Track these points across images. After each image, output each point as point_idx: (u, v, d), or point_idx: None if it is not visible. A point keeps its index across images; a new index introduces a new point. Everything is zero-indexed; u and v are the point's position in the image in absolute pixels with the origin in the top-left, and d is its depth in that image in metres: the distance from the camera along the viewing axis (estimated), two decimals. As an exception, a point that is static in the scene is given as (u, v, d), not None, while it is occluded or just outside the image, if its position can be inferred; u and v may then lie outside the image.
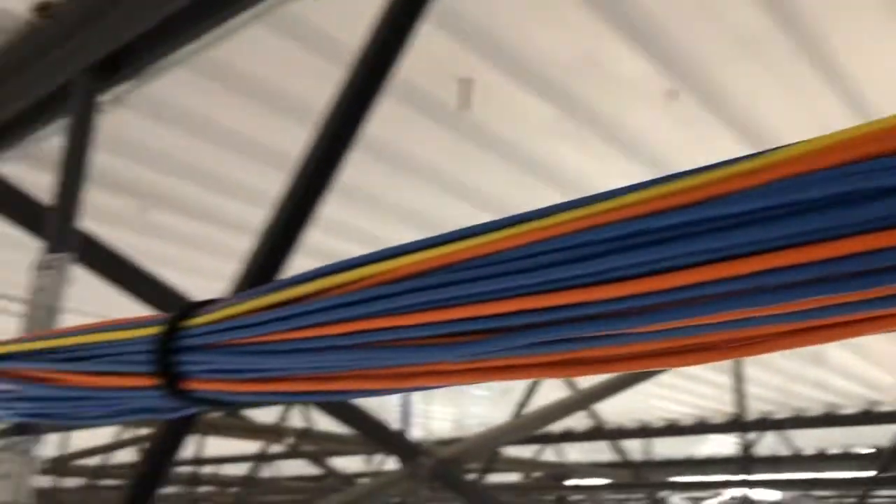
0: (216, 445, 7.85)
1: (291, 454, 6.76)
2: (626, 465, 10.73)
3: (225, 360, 0.74)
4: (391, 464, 8.34)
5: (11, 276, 2.38)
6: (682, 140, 2.57)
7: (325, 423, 6.25)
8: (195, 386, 0.78)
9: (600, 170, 2.72)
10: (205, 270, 3.24)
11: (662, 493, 8.49)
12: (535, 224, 0.51)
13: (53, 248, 1.38)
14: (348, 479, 7.21)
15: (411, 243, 0.62)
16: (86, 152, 1.44)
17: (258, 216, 2.86)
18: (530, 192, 2.74)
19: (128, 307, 1.11)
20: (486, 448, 3.00)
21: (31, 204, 1.67)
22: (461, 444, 2.76)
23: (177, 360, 0.78)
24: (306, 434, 6.15)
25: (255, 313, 0.72)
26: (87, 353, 0.88)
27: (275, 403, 0.77)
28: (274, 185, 2.61)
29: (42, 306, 1.32)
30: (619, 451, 7.41)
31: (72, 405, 0.94)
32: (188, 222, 2.81)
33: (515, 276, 0.51)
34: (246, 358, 0.72)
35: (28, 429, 1.29)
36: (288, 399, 0.72)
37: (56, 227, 1.38)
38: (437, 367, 0.59)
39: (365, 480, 8.08)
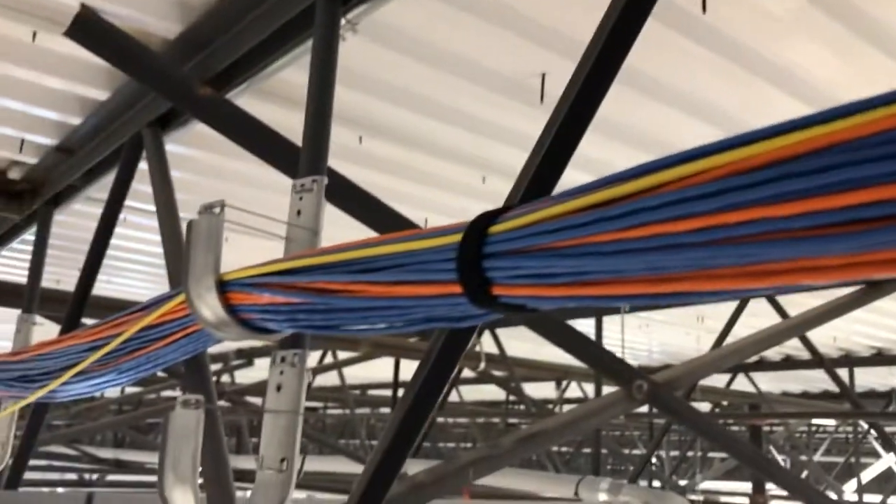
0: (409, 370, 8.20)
1: (482, 379, 6.94)
2: (824, 395, 10.23)
3: (537, 264, 0.73)
4: (578, 391, 8.38)
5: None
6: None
7: (515, 347, 6.35)
8: (501, 291, 0.77)
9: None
10: (418, 200, 3.31)
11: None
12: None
13: (307, 170, 1.44)
14: (541, 405, 7.32)
15: (766, 128, 0.56)
16: (332, 72, 1.48)
17: (476, 145, 2.91)
18: (767, 105, 2.52)
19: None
20: (697, 375, 2.91)
21: (277, 137, 1.76)
22: (673, 370, 2.69)
23: (482, 266, 0.77)
24: (495, 359, 6.25)
25: (573, 215, 0.69)
26: (384, 263, 0.89)
27: (590, 306, 0.75)
28: (501, 113, 2.62)
29: (302, 229, 1.38)
30: (826, 380, 6.99)
31: (363, 315, 0.97)
32: (405, 152, 2.87)
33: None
34: (563, 261, 0.70)
35: (300, 341, 1.37)
36: (608, 302, 0.70)
37: (309, 147, 1.44)
38: (810, 263, 0.53)
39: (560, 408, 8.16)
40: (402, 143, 2.80)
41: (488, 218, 0.80)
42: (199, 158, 2.99)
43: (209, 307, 1.19)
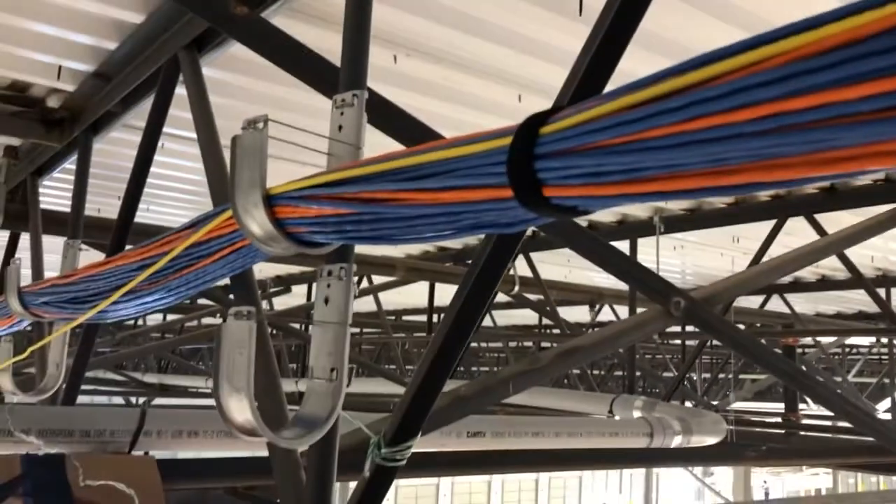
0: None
1: (515, 303, 6.99)
2: (858, 316, 10.18)
3: (590, 162, 0.73)
4: (610, 316, 8.42)
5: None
6: None
7: (548, 271, 6.37)
8: (553, 193, 0.77)
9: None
10: (452, 121, 3.28)
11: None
12: None
13: (348, 85, 1.43)
14: (575, 328, 7.38)
15: (831, 12, 0.55)
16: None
17: (513, 62, 2.85)
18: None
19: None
20: (734, 292, 2.90)
21: (315, 57, 1.74)
22: (710, 287, 2.69)
23: (533, 167, 0.77)
24: (529, 283, 6.27)
25: (628, 111, 0.69)
26: (432, 170, 0.90)
27: (646, 201, 0.75)
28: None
29: (344, 144, 1.38)
30: (860, 301, 6.93)
31: (410, 224, 0.98)
32: (439, 70, 2.83)
33: None
34: (617, 158, 0.70)
35: (346, 255, 1.39)
36: (663, 198, 0.70)
37: (349, 61, 1.43)
38: (882, 147, 0.52)
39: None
40: (436, 61, 2.76)
41: (539, 119, 0.79)
42: (235, 83, 2.98)
43: (257, 221, 1.21)
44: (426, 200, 0.92)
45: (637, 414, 4.14)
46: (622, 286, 7.13)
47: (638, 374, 8.28)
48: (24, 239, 3.99)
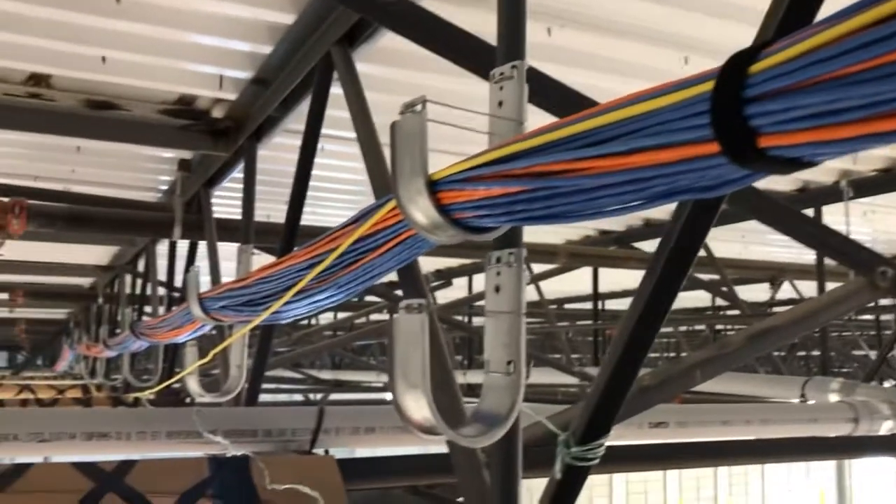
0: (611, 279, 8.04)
1: (686, 284, 6.64)
2: None
3: (820, 100, 0.59)
4: (790, 292, 7.84)
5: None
6: None
7: (722, 249, 5.99)
8: (771, 142, 0.64)
9: None
10: (614, 95, 3.11)
11: None
12: None
13: (506, 56, 1.35)
14: (756, 308, 6.93)
15: None
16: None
17: (674, 21, 2.67)
18: None
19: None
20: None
21: (468, 37, 1.67)
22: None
23: (745, 114, 0.64)
24: (702, 261, 5.94)
25: (870, 29, 0.55)
26: (615, 132, 0.79)
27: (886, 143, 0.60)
28: None
29: (506, 120, 1.29)
30: None
31: (590, 197, 0.88)
32: (595, 39, 2.70)
33: None
34: (858, 90, 0.56)
35: (515, 240, 1.31)
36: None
37: (506, 31, 1.34)
38: None
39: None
40: (593, 30, 2.62)
41: (745, 57, 0.66)
42: (390, 76, 2.97)
43: (421, 210, 1.15)
44: (609, 167, 0.81)
45: (835, 398, 3.79)
46: (805, 260, 6.62)
47: (817, 353, 7.65)
48: (202, 248, 4.22)
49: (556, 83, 1.68)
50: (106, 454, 1.84)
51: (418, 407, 1.11)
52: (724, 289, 5.95)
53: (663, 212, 5.64)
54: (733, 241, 6.41)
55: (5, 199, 3.41)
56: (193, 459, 1.69)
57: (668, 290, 1.33)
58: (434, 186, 1.12)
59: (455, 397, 1.57)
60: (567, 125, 0.85)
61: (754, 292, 8.16)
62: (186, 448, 1.96)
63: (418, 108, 1.18)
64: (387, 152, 1.21)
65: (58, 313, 13.38)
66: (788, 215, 2.13)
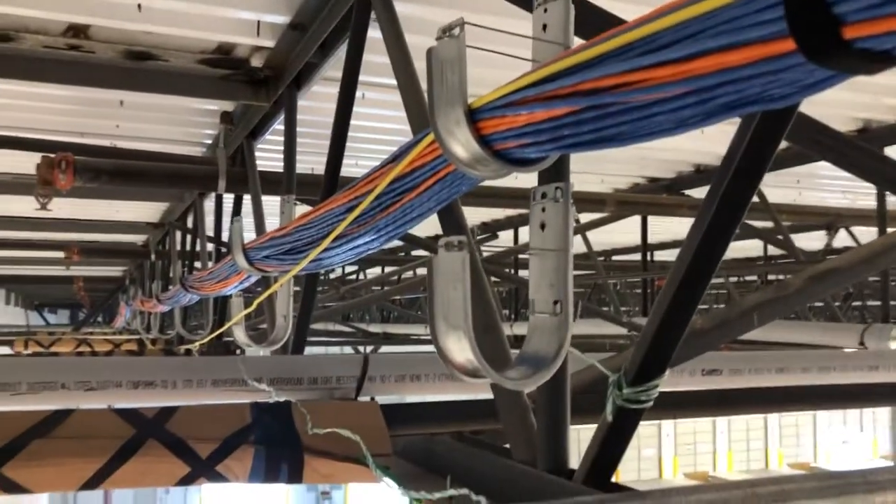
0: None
1: (739, 233, 6.45)
2: None
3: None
4: (846, 240, 7.57)
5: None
6: None
7: (774, 194, 5.79)
8: (861, 32, 0.55)
9: None
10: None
11: None
12: None
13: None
14: (811, 255, 6.71)
15: None
16: None
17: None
18: None
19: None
20: None
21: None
22: None
23: (826, 1, 0.56)
24: (755, 207, 5.74)
25: None
26: (673, 37, 0.70)
27: None
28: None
29: (551, 44, 1.21)
30: None
31: (645, 114, 0.80)
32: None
33: None
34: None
35: (561, 173, 1.23)
36: None
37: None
38: None
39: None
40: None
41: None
42: (428, 17, 2.88)
43: (460, 142, 1.08)
44: (668, 77, 0.72)
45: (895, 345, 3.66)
46: (864, 205, 6.36)
47: (874, 303, 7.37)
48: (247, 203, 4.21)
49: (602, 11, 1.58)
50: (152, 402, 1.84)
51: (460, 349, 1.05)
52: (780, 236, 5.76)
53: (714, 157, 5.45)
54: (788, 185, 6.18)
55: (51, 155, 3.41)
56: (235, 406, 1.68)
57: (726, 225, 1.25)
58: (474, 116, 1.05)
59: (499, 339, 1.52)
60: (621, 33, 0.77)
61: (808, 241, 7.92)
62: (232, 396, 1.96)
63: (456, 31, 1.10)
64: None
65: (114, 271, 13.71)
66: (852, 150, 2.01)
